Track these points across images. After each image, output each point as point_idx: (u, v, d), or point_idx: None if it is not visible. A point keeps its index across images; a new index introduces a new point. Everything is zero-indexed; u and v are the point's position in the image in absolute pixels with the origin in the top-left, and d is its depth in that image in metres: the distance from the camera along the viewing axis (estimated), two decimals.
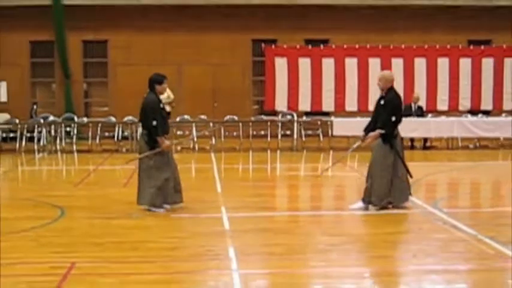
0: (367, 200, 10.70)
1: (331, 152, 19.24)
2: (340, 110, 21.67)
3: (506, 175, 14.99)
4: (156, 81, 10.87)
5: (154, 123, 10.40)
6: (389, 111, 10.60)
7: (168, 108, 20.08)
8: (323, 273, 7.35)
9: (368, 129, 10.85)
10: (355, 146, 11.93)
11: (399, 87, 21.30)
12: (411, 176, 10.78)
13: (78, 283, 6.84)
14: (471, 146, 20.24)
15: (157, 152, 10.44)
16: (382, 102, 10.75)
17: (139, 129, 20.75)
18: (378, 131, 10.48)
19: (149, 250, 8.32)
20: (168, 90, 19.82)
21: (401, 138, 10.95)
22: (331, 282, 7.05)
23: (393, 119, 10.49)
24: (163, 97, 19.56)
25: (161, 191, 10.49)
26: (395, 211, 10.95)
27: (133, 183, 14.32)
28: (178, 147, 20.03)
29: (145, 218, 10.34)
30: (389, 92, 10.77)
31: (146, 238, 8.96)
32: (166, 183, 10.53)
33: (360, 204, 10.76)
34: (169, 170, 10.60)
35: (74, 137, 20.96)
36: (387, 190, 10.60)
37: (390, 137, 10.52)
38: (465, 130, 19.94)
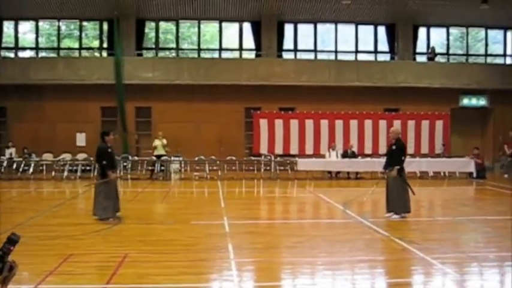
0: (390, 210, 10.77)
1: (296, 180, 19.12)
2: (302, 153, 21.67)
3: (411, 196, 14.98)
4: (105, 134, 10.90)
5: (104, 162, 10.47)
6: (400, 154, 10.86)
7: (163, 151, 19.95)
8: (290, 261, 7.33)
9: (386, 166, 11.13)
10: (382, 173, 12.01)
11: (339, 139, 21.60)
12: (413, 193, 10.87)
13: (129, 267, 6.79)
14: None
15: (106, 180, 10.43)
16: (394, 147, 10.99)
17: (172, 165, 20.93)
18: (396, 168, 10.68)
19: (175, 245, 8.28)
20: (164, 139, 19.92)
21: (404, 170, 11.04)
22: (295, 267, 7.03)
23: (402, 158, 10.85)
24: (159, 144, 19.73)
25: (109, 207, 10.41)
26: (337, 220, 10.93)
27: (168, 200, 14.36)
28: (196, 177, 19.96)
29: (174, 224, 10.28)
30: (398, 141, 11.04)
31: (174, 237, 8.92)
32: (111, 201, 10.47)
33: (389, 214, 10.74)
34: (112, 193, 10.54)
35: (129, 169, 20.89)
36: (402, 203, 10.69)
37: (401, 169, 10.73)
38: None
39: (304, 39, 25.05)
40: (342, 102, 22.90)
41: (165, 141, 20.04)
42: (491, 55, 26.14)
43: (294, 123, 21.84)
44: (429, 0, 23.66)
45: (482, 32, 26.12)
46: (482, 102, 24.72)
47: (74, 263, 6.99)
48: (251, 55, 24.70)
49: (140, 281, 6.14)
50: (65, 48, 24.75)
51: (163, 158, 19.98)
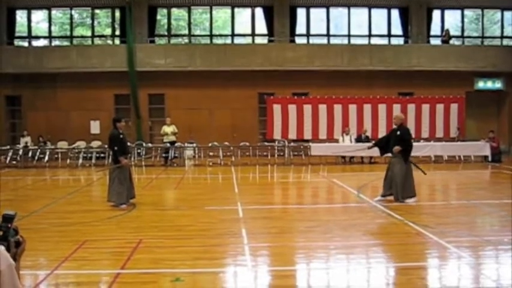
0: (387, 194, 10.75)
1: (309, 165, 19.09)
2: (315, 138, 21.63)
3: (422, 181, 14.90)
4: (116, 120, 10.87)
5: (116, 148, 10.52)
6: (405, 139, 10.73)
7: (174, 138, 20.02)
8: (304, 246, 7.32)
9: (378, 144, 11.41)
10: (368, 148, 12.25)
11: (353, 124, 21.52)
12: (424, 173, 11.12)
13: (143, 253, 6.84)
14: None
15: (119, 166, 10.48)
16: (398, 132, 10.84)
17: (186, 152, 21.00)
18: (398, 147, 10.62)
19: (190, 231, 8.32)
20: (174, 126, 19.94)
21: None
22: (309, 252, 7.02)
23: (409, 143, 10.77)
24: (170, 130, 19.81)
25: (123, 193, 10.45)
26: (350, 205, 10.91)
27: (182, 186, 14.40)
28: (210, 163, 19.99)
29: (188, 209, 10.32)
30: (401, 126, 10.94)
31: (188, 223, 8.95)
32: (125, 187, 10.51)
33: (381, 197, 10.79)
34: (126, 179, 10.58)
35: (143, 156, 20.98)
36: (407, 188, 10.66)
37: (407, 156, 10.68)
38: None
39: (317, 23, 24.82)
40: (356, 87, 22.76)
41: (174, 127, 20.06)
42: (507, 37, 25.68)
43: (307, 108, 21.79)
44: None
45: (498, 13, 25.67)
46: (497, 85, 24.37)
47: (88, 249, 7.06)
48: (264, 40, 24.56)
49: (155, 266, 6.18)
50: (77, 37, 24.82)
51: (175, 144, 20.05)
